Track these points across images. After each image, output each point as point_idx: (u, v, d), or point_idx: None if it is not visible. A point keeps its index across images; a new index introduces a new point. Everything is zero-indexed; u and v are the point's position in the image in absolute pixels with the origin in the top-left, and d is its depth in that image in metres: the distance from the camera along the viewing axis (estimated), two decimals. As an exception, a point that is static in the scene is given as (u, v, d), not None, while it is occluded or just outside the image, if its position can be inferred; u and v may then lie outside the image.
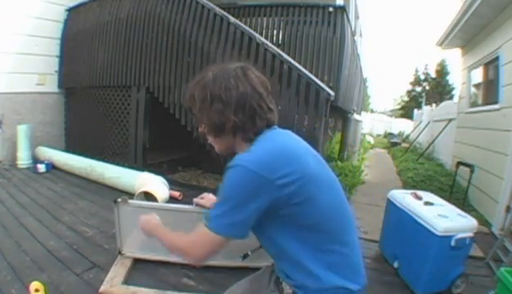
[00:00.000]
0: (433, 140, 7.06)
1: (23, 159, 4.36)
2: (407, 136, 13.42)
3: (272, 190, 0.73)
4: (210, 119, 0.83)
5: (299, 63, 3.16)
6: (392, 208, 2.20)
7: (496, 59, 3.85)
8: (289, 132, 0.90)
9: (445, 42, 5.54)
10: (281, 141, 0.83)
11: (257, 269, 1.12)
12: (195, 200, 1.63)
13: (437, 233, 1.71)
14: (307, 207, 0.77)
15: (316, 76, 3.12)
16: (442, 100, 13.76)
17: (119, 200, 1.82)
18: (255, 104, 0.82)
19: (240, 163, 0.73)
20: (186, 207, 1.81)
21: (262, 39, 3.23)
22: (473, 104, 4.84)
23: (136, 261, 1.94)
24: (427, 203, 2.02)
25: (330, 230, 0.82)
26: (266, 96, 0.85)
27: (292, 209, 0.76)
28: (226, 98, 0.80)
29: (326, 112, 2.91)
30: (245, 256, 1.33)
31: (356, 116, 6.55)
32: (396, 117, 25.93)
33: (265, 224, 0.79)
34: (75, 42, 4.82)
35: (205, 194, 1.63)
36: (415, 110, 16.30)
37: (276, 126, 0.88)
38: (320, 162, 0.86)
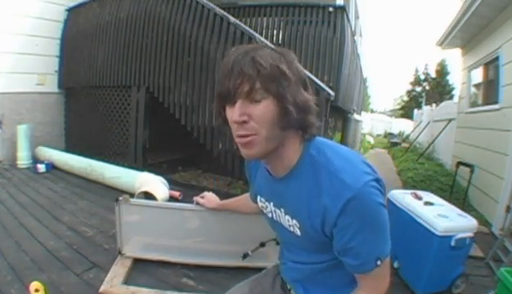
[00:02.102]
0: (433, 140, 7.05)
1: (23, 159, 4.36)
2: (407, 136, 13.42)
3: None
4: (298, 99, 0.67)
5: (299, 63, 3.16)
6: (392, 208, 2.20)
7: (496, 59, 3.85)
8: None
9: (445, 42, 5.54)
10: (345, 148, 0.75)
11: (257, 269, 1.12)
12: (196, 199, 1.64)
13: (437, 233, 1.71)
14: None
15: (316, 76, 3.12)
16: (442, 100, 13.76)
17: (121, 199, 1.82)
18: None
19: (357, 184, 0.63)
20: (187, 205, 1.81)
21: (262, 39, 3.23)
22: (473, 104, 4.84)
23: (136, 261, 1.93)
24: (427, 203, 2.02)
25: None
26: None
27: None
28: (306, 84, 0.70)
29: (326, 112, 2.91)
30: (245, 256, 1.34)
31: (356, 116, 6.56)
32: (396, 117, 25.98)
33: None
34: (75, 42, 4.82)
35: (206, 193, 1.64)
36: (415, 110, 16.31)
37: None
38: None
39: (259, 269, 1.11)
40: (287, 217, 0.77)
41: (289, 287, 0.91)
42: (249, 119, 0.65)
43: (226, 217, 1.68)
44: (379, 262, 0.67)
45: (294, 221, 0.75)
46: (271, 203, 0.83)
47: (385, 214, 0.67)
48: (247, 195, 1.19)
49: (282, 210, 0.79)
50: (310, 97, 0.70)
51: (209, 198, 1.60)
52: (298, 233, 0.75)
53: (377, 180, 0.66)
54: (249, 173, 0.96)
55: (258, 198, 0.90)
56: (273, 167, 0.76)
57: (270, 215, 0.86)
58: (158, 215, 1.92)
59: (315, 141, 0.73)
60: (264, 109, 0.64)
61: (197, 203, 1.64)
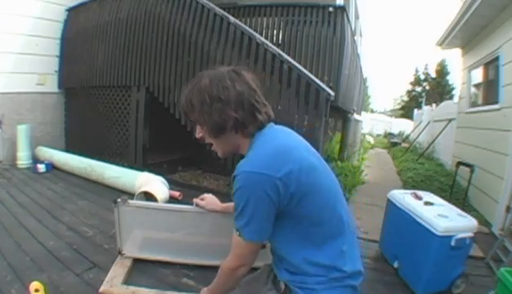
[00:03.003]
0: (433, 140, 7.05)
1: (23, 159, 4.36)
2: (407, 136, 13.41)
3: (279, 188, 0.76)
4: (211, 119, 0.86)
5: (299, 63, 3.16)
6: (392, 208, 2.20)
7: (496, 59, 3.85)
8: (285, 129, 0.96)
9: (445, 42, 5.54)
10: (278, 141, 0.87)
11: (256, 269, 1.12)
12: (195, 200, 1.64)
13: (437, 233, 1.71)
14: (309, 201, 0.81)
15: (316, 76, 3.11)
16: (442, 100, 13.74)
17: (119, 200, 1.82)
18: (252, 100, 0.87)
19: (243, 170, 0.78)
20: (186, 207, 1.81)
21: (262, 39, 3.23)
22: (473, 104, 4.84)
23: (136, 261, 1.93)
24: (427, 203, 2.02)
25: (328, 221, 0.86)
26: (260, 92, 0.90)
27: (296, 205, 0.80)
28: (225, 97, 0.85)
29: (326, 112, 2.91)
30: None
31: (356, 116, 6.55)
32: (396, 117, 25.95)
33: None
34: (75, 42, 4.82)
35: (205, 195, 1.64)
36: (415, 110, 16.31)
37: (272, 124, 0.93)
38: (317, 157, 0.90)
39: (258, 269, 1.12)
40: None
41: (278, 279, 0.95)
42: (204, 134, 0.92)
43: (226, 218, 1.67)
44: (234, 230, 0.84)
45: None
46: None
47: (245, 199, 0.78)
48: None
49: None
50: (226, 109, 0.85)
51: (209, 200, 1.60)
52: None
53: (258, 175, 0.76)
54: None
55: None
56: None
57: None
58: (157, 215, 1.92)
59: (262, 133, 0.88)
60: (200, 128, 0.92)
61: (197, 205, 1.64)
